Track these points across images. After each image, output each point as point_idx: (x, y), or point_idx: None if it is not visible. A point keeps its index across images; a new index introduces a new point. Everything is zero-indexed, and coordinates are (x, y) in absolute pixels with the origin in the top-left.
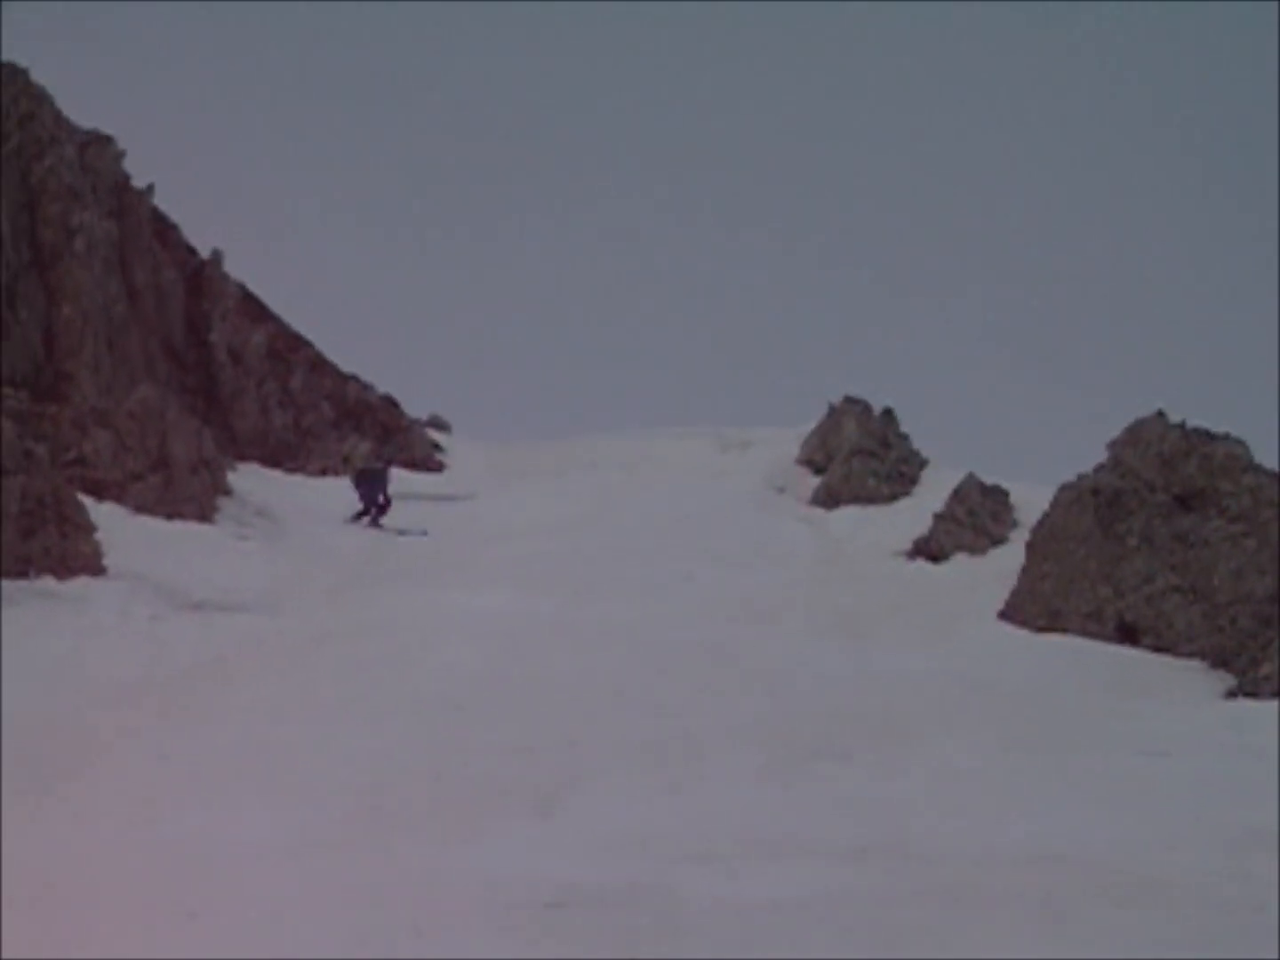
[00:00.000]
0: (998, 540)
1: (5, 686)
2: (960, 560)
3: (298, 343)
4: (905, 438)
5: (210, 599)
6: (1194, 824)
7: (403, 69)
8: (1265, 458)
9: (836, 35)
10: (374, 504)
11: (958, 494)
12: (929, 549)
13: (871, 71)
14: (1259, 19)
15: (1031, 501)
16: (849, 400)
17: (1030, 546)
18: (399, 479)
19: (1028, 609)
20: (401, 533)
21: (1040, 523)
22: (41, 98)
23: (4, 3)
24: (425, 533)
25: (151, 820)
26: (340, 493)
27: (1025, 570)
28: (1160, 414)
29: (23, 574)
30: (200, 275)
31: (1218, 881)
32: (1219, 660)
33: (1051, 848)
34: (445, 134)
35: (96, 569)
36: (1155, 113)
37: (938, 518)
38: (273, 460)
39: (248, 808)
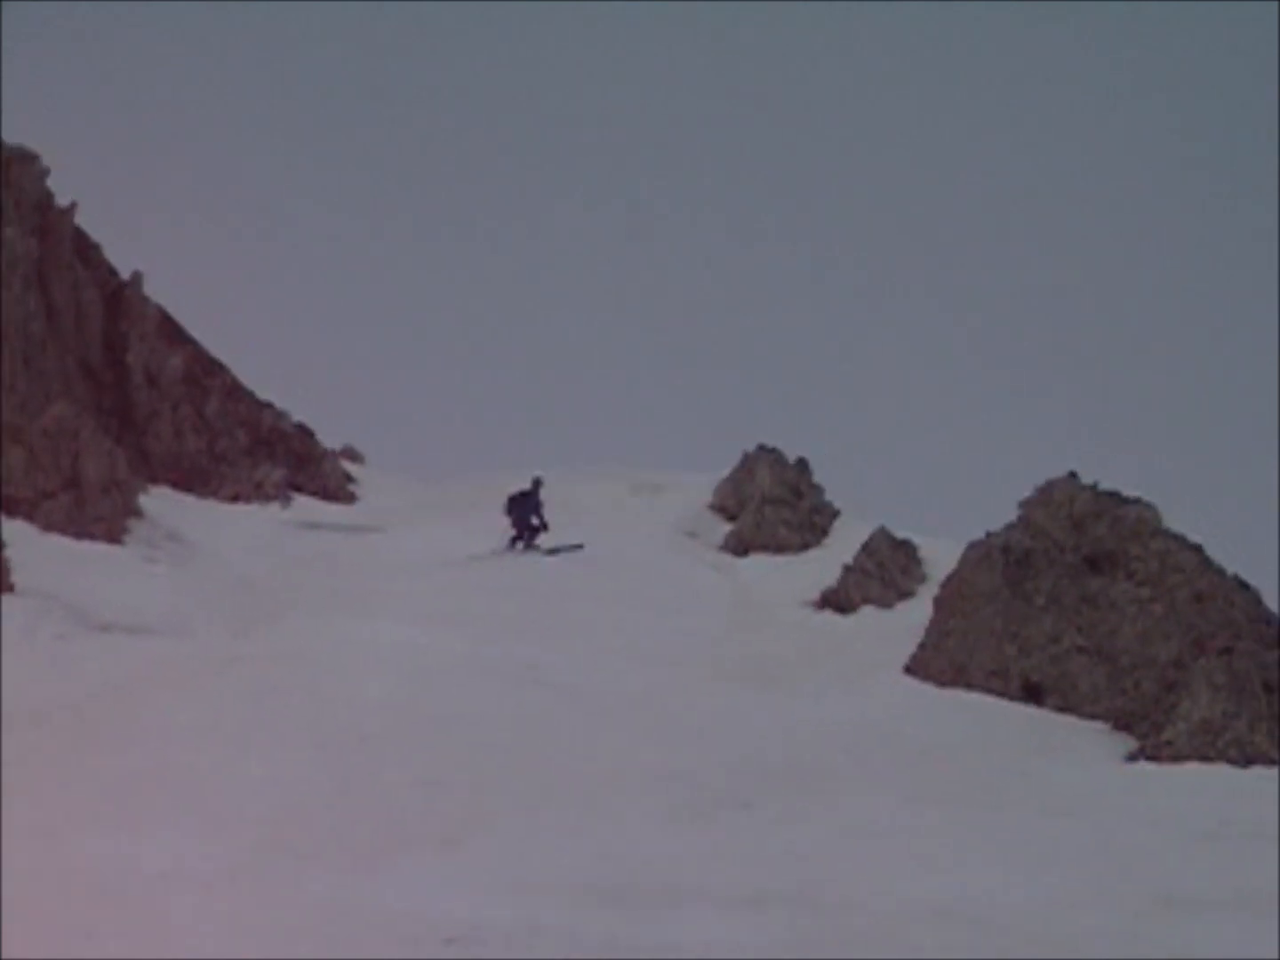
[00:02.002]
0: (906, 594)
1: None
2: (868, 612)
3: (214, 368)
4: (818, 488)
5: (118, 621)
6: (1095, 887)
7: (323, 100)
8: (1176, 523)
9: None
10: (527, 528)
11: (868, 546)
12: (837, 600)
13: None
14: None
15: (941, 557)
16: (763, 448)
17: (938, 602)
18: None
19: (933, 664)
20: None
21: (949, 579)
22: None
23: None
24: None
25: (54, 843)
26: (251, 520)
27: (932, 625)
28: (1072, 475)
29: None
30: (120, 296)
31: (1118, 945)
32: (1122, 723)
33: (953, 904)
34: (369, 160)
35: (4, 586)
36: (1092, 148)
37: (847, 569)
38: (185, 485)
39: (152, 834)
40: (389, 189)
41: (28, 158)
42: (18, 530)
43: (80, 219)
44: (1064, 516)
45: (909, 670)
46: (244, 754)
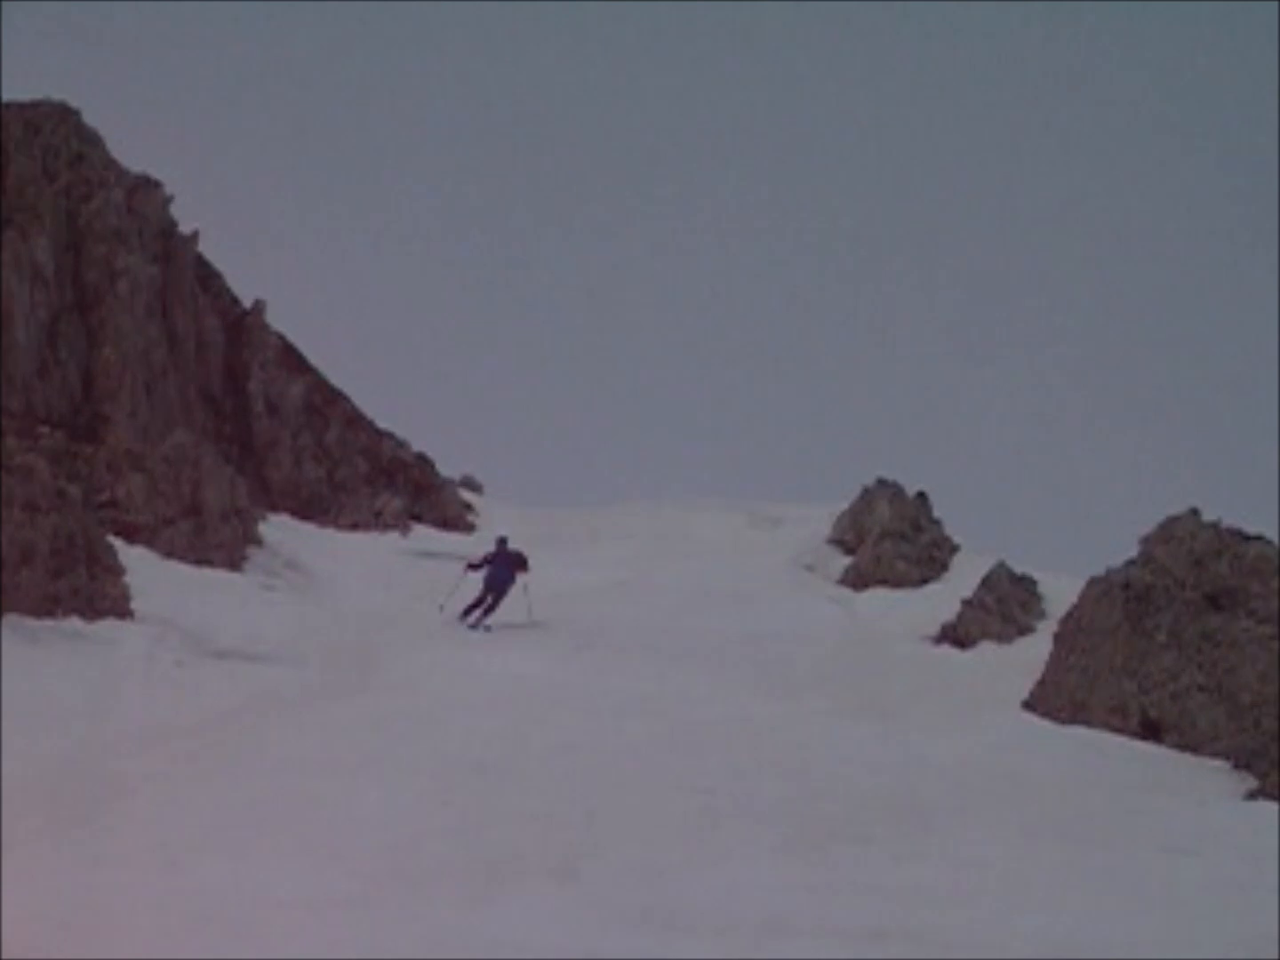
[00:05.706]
0: (1025, 629)
1: (28, 726)
2: (987, 647)
3: (335, 396)
4: (937, 522)
5: (236, 648)
6: (1212, 926)
7: (445, 130)
8: None
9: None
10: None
11: (987, 581)
12: (956, 635)
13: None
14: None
15: (1060, 592)
16: (882, 482)
17: (1058, 638)
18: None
19: (1052, 700)
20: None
21: (1069, 614)
22: (93, 140)
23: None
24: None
25: (171, 868)
26: (370, 548)
27: (1051, 661)
28: (1194, 511)
29: (50, 613)
30: (241, 324)
31: None
32: (1242, 761)
33: (1069, 942)
34: (498, 197)
35: (124, 611)
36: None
37: (966, 604)
38: (304, 513)
39: (268, 861)
40: (512, 227)
41: (151, 185)
42: (138, 556)
43: (202, 246)
44: (1185, 553)
45: (1028, 706)
46: (361, 783)
